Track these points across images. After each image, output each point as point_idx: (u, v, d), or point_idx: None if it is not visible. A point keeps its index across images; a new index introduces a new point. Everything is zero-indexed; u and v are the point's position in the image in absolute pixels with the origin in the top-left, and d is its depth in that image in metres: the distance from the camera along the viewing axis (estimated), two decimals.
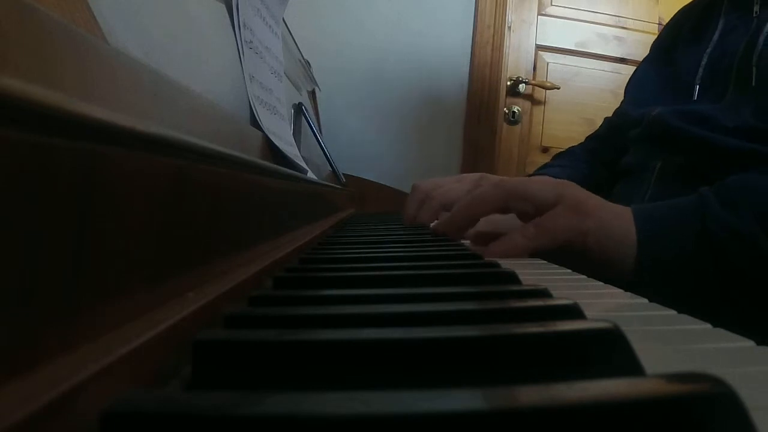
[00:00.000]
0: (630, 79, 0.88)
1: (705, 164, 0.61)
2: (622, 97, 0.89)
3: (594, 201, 0.50)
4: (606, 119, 0.92)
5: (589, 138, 0.94)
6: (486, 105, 1.82)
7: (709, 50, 0.68)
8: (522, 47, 1.87)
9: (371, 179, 1.50)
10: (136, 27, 0.27)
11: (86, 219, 0.14)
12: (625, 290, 0.31)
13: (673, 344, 0.21)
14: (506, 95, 1.86)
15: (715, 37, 0.68)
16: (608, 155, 0.84)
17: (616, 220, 0.49)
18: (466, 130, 1.82)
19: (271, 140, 0.49)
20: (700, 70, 0.68)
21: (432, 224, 0.58)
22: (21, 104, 0.11)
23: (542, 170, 0.88)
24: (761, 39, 0.60)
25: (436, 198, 0.76)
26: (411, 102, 1.79)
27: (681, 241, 0.47)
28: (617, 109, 0.89)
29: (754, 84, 0.60)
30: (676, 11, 0.85)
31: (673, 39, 0.79)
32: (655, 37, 0.90)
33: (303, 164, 0.59)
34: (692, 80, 0.69)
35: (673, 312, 0.26)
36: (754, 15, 0.63)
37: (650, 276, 0.47)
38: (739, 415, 0.11)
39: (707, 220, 0.46)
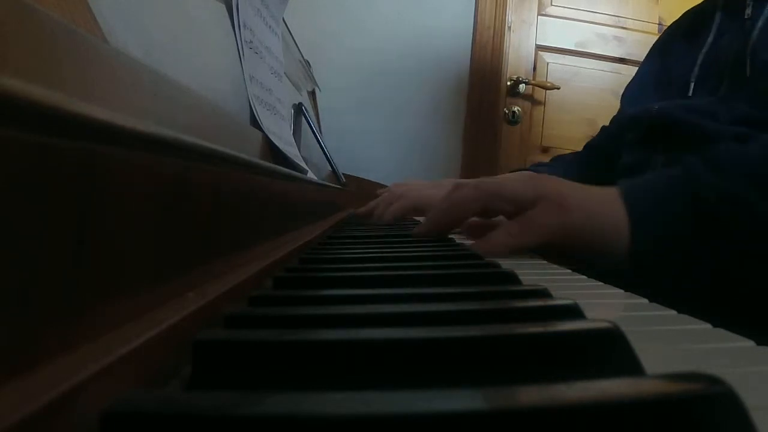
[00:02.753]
0: (626, 86, 0.89)
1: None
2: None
3: (577, 193, 0.49)
4: (602, 127, 0.92)
5: (585, 146, 0.95)
6: (486, 105, 1.82)
7: (704, 50, 0.70)
8: (522, 47, 1.87)
9: (371, 179, 1.50)
10: (136, 27, 0.27)
11: (86, 219, 0.14)
12: (625, 290, 0.31)
13: (673, 344, 0.21)
14: (506, 95, 1.87)
15: (710, 39, 0.70)
16: (602, 165, 0.84)
17: (603, 208, 0.48)
18: (466, 130, 1.82)
19: (271, 140, 0.49)
20: (696, 68, 0.70)
21: (414, 229, 0.57)
22: (21, 104, 0.11)
23: (533, 168, 0.88)
24: (755, 33, 0.62)
25: (410, 199, 0.75)
26: (411, 102, 1.79)
27: (675, 215, 0.46)
28: (613, 117, 0.90)
29: (748, 74, 0.62)
30: (675, 13, 0.88)
31: (667, 41, 0.82)
32: (655, 37, 0.91)
33: (303, 164, 0.59)
34: (687, 77, 0.71)
35: (673, 312, 0.26)
36: (746, 17, 0.65)
37: (647, 257, 0.46)
38: (739, 415, 0.11)
39: (698, 188, 0.45)
